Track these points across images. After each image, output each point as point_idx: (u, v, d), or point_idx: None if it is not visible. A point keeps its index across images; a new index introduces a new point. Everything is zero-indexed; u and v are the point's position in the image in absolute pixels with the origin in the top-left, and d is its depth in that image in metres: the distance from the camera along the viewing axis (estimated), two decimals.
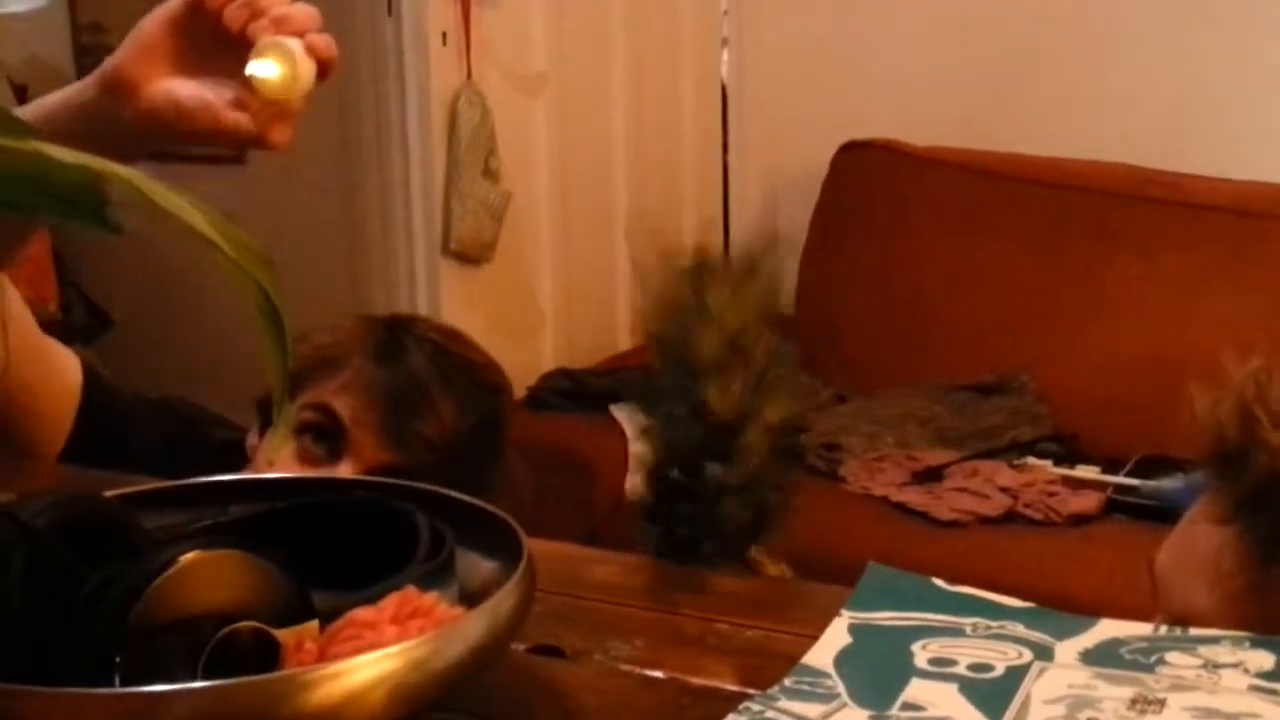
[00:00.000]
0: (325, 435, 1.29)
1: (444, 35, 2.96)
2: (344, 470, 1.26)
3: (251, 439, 1.38)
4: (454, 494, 0.84)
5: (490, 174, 3.00)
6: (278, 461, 1.28)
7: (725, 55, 3.59)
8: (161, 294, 3.75)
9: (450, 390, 1.31)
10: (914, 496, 2.66)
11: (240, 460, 1.35)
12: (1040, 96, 3.35)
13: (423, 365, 1.32)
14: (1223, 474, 0.95)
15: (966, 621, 0.86)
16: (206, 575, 0.67)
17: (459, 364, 1.34)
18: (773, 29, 3.54)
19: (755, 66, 3.51)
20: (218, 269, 0.59)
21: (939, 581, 0.93)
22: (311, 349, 1.37)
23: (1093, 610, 2.35)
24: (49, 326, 3.79)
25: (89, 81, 1.02)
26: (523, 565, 0.73)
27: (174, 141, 1.02)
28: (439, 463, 1.27)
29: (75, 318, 3.75)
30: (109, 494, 0.82)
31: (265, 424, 1.35)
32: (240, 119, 0.96)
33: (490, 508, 0.82)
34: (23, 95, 3.38)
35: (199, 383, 3.99)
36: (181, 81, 0.98)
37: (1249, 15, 3.14)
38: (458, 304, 3.02)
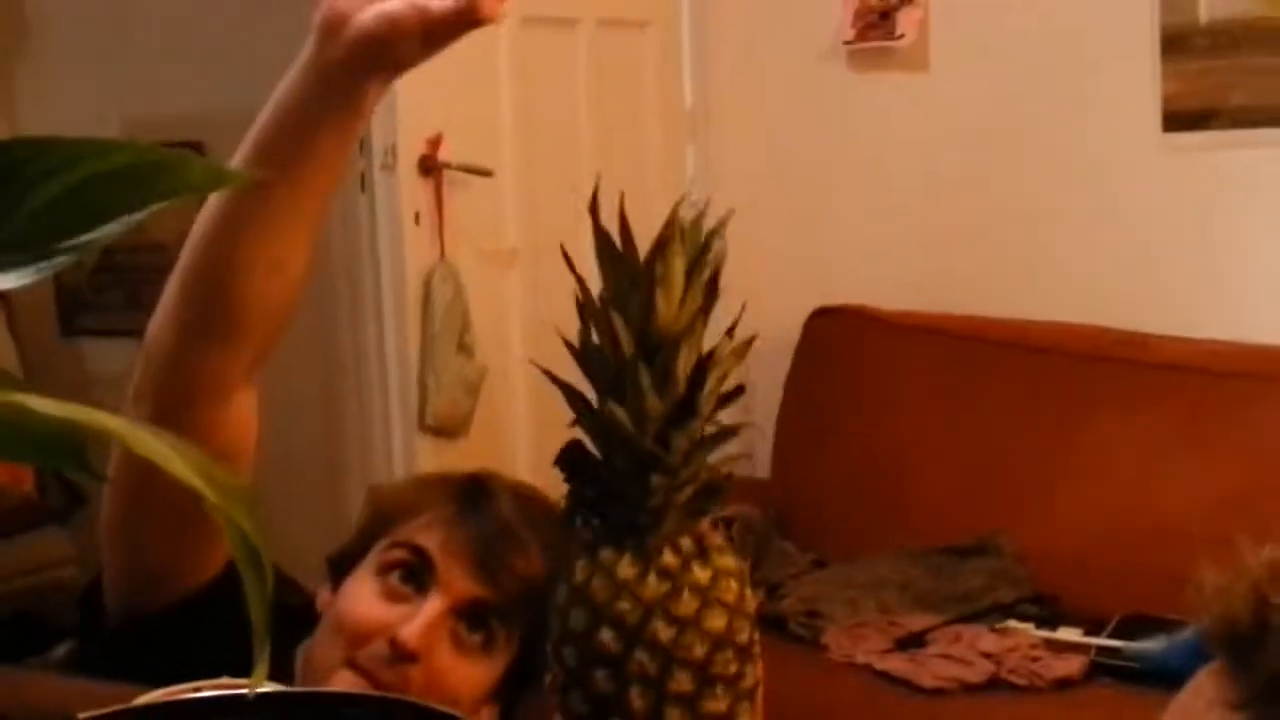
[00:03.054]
0: (412, 573, 1.27)
1: (416, 215, 3.01)
2: (432, 604, 1.24)
3: (324, 596, 1.36)
4: (430, 705, 0.84)
5: (465, 349, 3.02)
6: (362, 603, 1.26)
7: None
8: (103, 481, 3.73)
9: (534, 530, 1.30)
10: (897, 664, 2.65)
11: (314, 620, 1.33)
12: (1008, 260, 3.40)
13: (507, 505, 1.31)
14: (1234, 660, 0.95)
15: None
16: None
17: (538, 507, 1.34)
18: (741, 197, 3.60)
19: (726, 235, 3.56)
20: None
21: None
22: (391, 497, 1.37)
23: None
24: (25, 507, 3.78)
25: (308, 44, 1.06)
26: None
27: (391, 60, 1.03)
28: (525, 599, 1.25)
29: (51, 498, 3.73)
30: (84, 716, 0.82)
31: (337, 582, 1.33)
32: (447, 2, 0.97)
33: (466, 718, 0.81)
34: None
35: None
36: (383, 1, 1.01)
37: (1206, 180, 3.21)
38: None
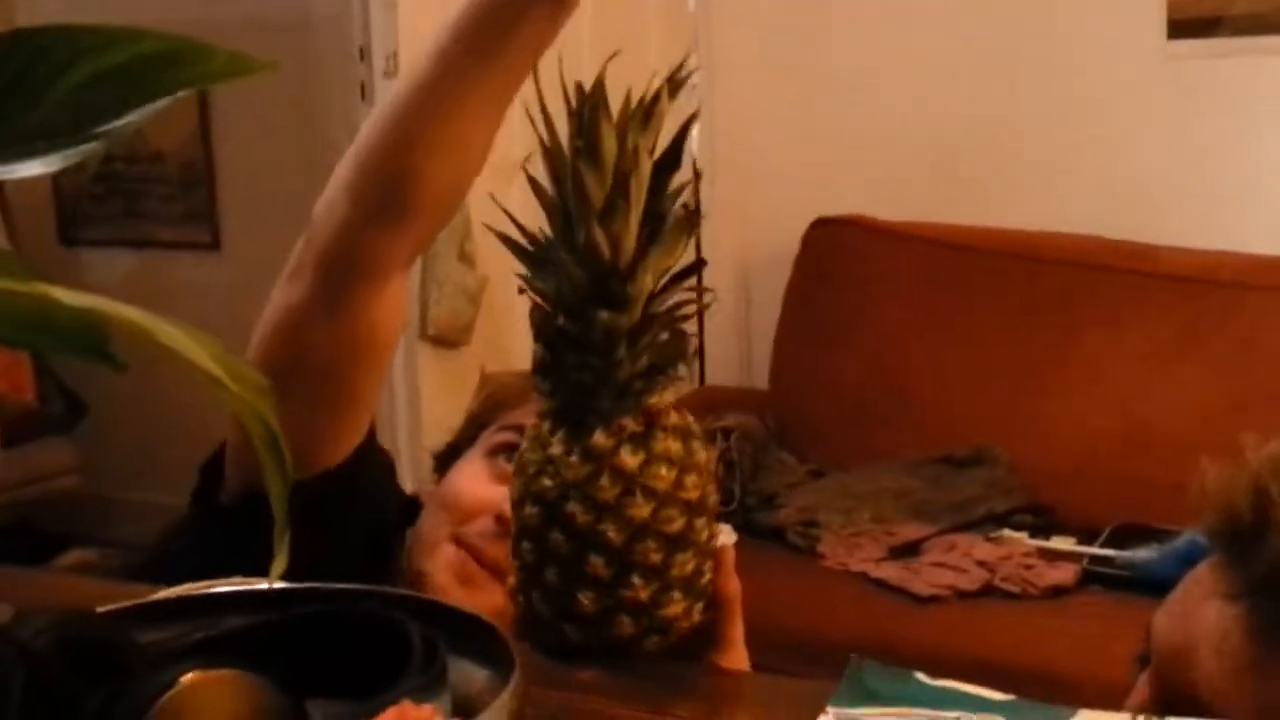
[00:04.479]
0: None
1: None
2: None
3: (428, 487, 1.38)
4: (443, 602, 0.86)
5: (466, 258, 3.02)
6: (470, 481, 1.28)
7: (695, 133, 3.63)
8: (138, 382, 3.75)
9: None
10: (892, 572, 2.68)
11: (419, 509, 1.34)
12: (1007, 170, 3.40)
13: None
14: (1233, 552, 0.96)
15: (949, 716, 0.88)
16: (206, 696, 0.68)
17: None
18: (742, 108, 3.59)
19: (726, 144, 3.56)
20: (219, 397, 0.61)
21: (921, 675, 0.94)
22: (502, 384, 1.38)
23: (1072, 682, 2.36)
24: (26, 416, 3.79)
25: None
26: (515, 679, 0.74)
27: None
28: None
29: (52, 407, 3.75)
30: (103, 609, 0.83)
31: (443, 473, 1.35)
32: None
33: (479, 615, 0.83)
34: None
35: (177, 470, 3.99)
36: None
37: (1210, 89, 3.20)
38: (435, 387, 3.03)
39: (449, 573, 1.25)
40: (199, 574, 0.92)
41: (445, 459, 1.36)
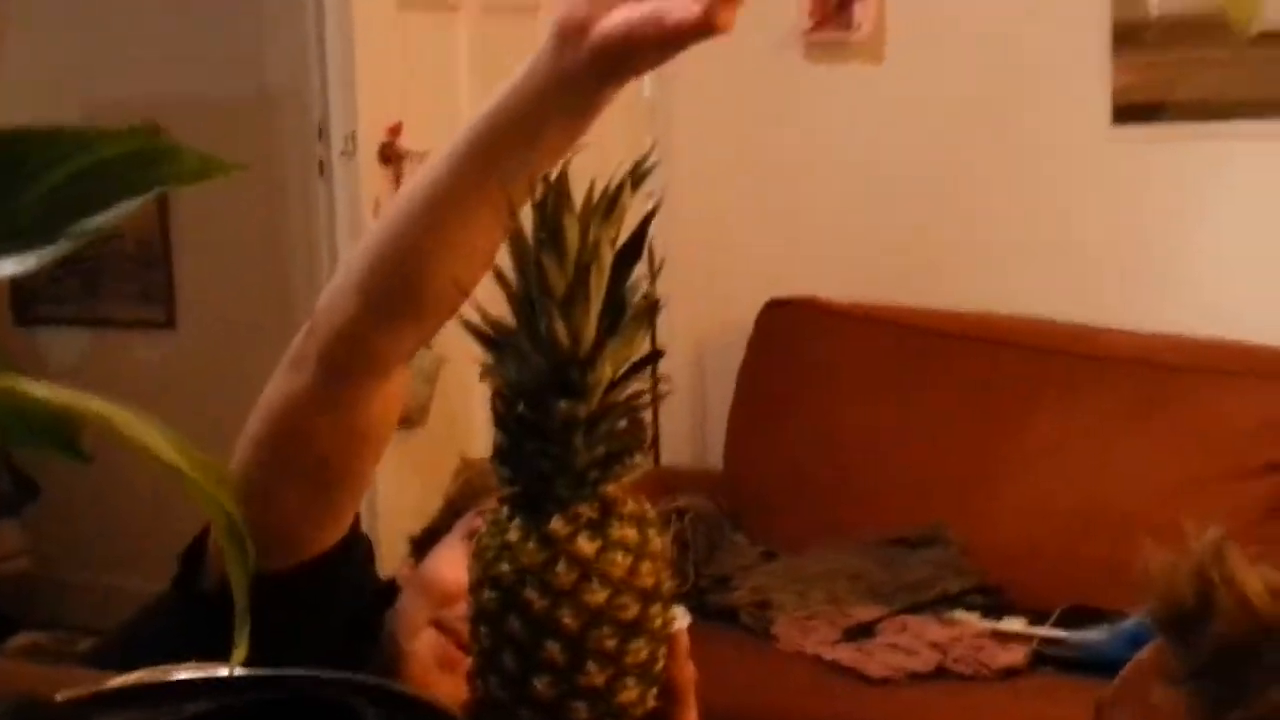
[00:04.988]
0: None
1: (376, 203, 3.01)
2: None
3: (404, 571, 1.39)
4: (401, 687, 0.87)
5: None
6: (450, 566, 1.28)
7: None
8: (90, 464, 3.72)
9: None
10: (845, 654, 2.68)
11: (395, 593, 1.35)
12: (956, 253, 3.44)
13: None
14: (1177, 637, 0.98)
15: None
16: None
17: None
18: (698, 187, 3.63)
19: (682, 228, 3.59)
20: (185, 489, 0.62)
21: None
22: (476, 473, 1.39)
23: None
24: None
25: (541, 49, 1.07)
26: None
27: (630, 67, 1.05)
28: None
29: (2, 487, 3.72)
30: (61, 696, 0.83)
31: (419, 557, 1.37)
32: (688, 12, 0.99)
33: (436, 702, 0.84)
34: None
35: (129, 553, 3.96)
36: (624, 7, 1.02)
37: (1155, 173, 3.26)
38: (392, 467, 3.03)
39: (430, 656, 1.26)
40: (179, 658, 0.93)
41: (422, 543, 1.38)
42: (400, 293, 1.15)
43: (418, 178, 1.17)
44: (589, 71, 1.06)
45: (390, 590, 1.36)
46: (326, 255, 3.08)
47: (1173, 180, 3.24)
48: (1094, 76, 3.25)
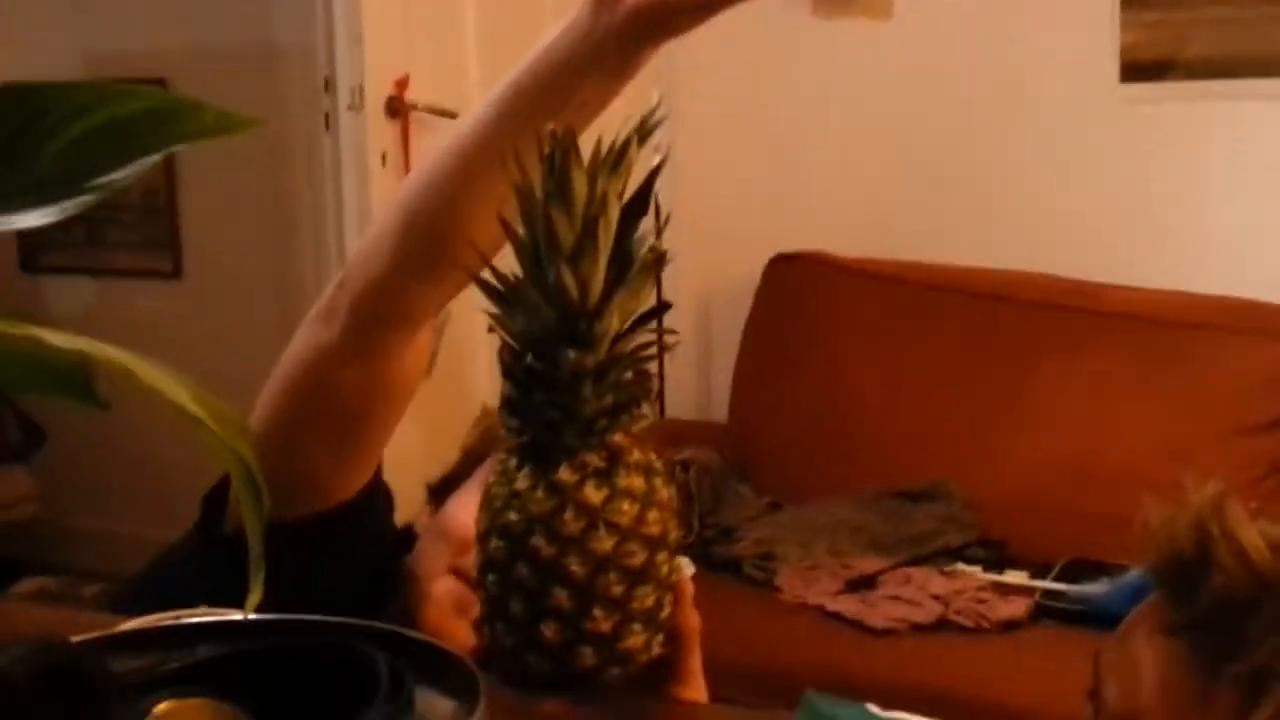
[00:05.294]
0: None
1: (383, 155, 3.02)
2: None
3: (423, 518, 1.40)
4: (412, 634, 0.88)
5: None
6: (468, 512, 1.30)
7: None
8: (97, 411, 3.75)
9: None
10: (848, 605, 2.70)
11: (413, 540, 1.37)
12: (962, 209, 3.44)
13: None
14: (1174, 589, 0.99)
15: None
16: None
17: None
18: (704, 148, 3.63)
19: (689, 183, 3.59)
20: (201, 438, 0.63)
21: (873, 708, 0.97)
22: (495, 421, 1.41)
23: (1024, 716, 2.38)
24: None
25: (578, 8, 1.08)
26: (480, 709, 0.76)
27: (667, 28, 1.07)
28: None
29: (9, 434, 3.74)
30: (77, 639, 0.85)
31: (438, 505, 1.38)
32: None
33: (447, 648, 0.85)
34: None
35: (135, 498, 3.99)
36: None
37: (1161, 131, 3.26)
38: None
39: (448, 602, 1.27)
40: (202, 601, 0.94)
41: (441, 491, 1.39)
42: (435, 247, 1.16)
43: (454, 132, 1.17)
44: (626, 33, 1.06)
45: (407, 538, 1.38)
46: (332, 208, 3.08)
47: (1180, 138, 3.24)
48: (1102, 34, 3.24)
